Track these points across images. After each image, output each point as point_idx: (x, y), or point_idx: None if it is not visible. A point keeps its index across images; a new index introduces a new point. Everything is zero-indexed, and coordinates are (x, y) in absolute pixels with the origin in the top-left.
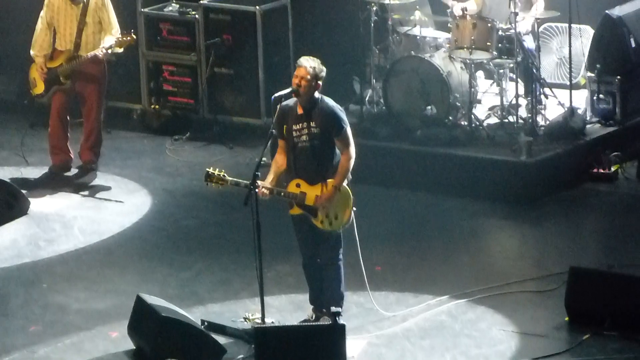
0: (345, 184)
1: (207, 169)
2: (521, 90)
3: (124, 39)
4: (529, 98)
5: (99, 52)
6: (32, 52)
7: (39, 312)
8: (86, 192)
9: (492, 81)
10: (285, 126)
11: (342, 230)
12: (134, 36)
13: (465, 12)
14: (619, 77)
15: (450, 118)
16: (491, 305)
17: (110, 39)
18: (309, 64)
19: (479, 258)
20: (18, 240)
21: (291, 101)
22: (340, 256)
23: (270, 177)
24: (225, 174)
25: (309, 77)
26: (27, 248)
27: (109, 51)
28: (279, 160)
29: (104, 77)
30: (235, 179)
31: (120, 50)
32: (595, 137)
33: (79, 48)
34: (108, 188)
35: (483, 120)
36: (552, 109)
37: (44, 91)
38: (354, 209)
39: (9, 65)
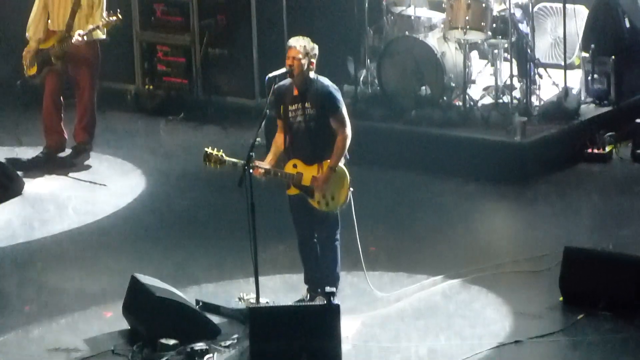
0: (342, 163)
1: (206, 149)
2: (515, 71)
3: (109, 19)
4: (523, 78)
5: (78, 37)
6: (27, 35)
7: (33, 292)
8: (74, 174)
9: (486, 61)
10: (282, 106)
11: (339, 211)
12: (120, 16)
13: None
14: (613, 57)
15: (445, 98)
16: (485, 285)
17: (96, 18)
18: (298, 43)
19: (473, 238)
20: (12, 220)
21: (287, 81)
22: (337, 236)
23: (269, 157)
24: (224, 154)
25: (300, 56)
26: (21, 229)
27: (92, 35)
28: (279, 141)
29: (96, 58)
30: (233, 159)
31: (103, 36)
32: (589, 117)
33: (71, 29)
34: (96, 170)
35: (477, 101)
36: (547, 90)
37: (37, 72)
38: (351, 189)
39: (3, 46)
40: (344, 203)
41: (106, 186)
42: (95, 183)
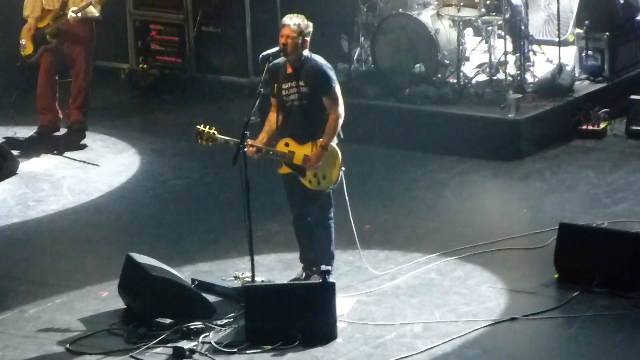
0: (334, 143)
1: (197, 126)
2: (509, 48)
3: None
4: (517, 55)
5: (72, 14)
6: (24, 14)
7: (29, 272)
8: (68, 153)
9: (480, 38)
10: (276, 85)
11: (331, 190)
12: None
13: None
14: (607, 33)
15: (439, 76)
16: (480, 262)
17: None
18: (292, 21)
19: (468, 216)
20: (7, 200)
21: (281, 60)
22: (331, 215)
23: (262, 135)
24: (216, 132)
25: (294, 34)
26: (16, 208)
27: (87, 13)
28: (272, 119)
29: (91, 37)
30: (225, 137)
31: (97, 14)
32: (583, 93)
33: (66, 7)
34: (91, 149)
35: (471, 78)
36: (541, 66)
37: (33, 52)
38: (343, 168)
39: None
40: (335, 182)
41: (99, 166)
42: (87, 163)
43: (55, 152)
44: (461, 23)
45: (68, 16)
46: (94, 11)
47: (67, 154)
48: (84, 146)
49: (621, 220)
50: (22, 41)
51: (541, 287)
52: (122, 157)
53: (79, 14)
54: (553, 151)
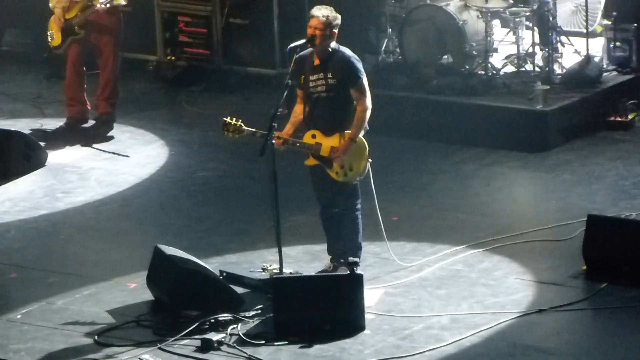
0: (362, 134)
1: (224, 119)
2: (537, 39)
3: None
4: (545, 46)
5: (101, 4)
6: (50, 5)
7: (57, 263)
8: (96, 145)
9: (508, 30)
10: (302, 76)
11: (358, 181)
12: None
13: None
14: (635, 24)
15: (467, 67)
16: (508, 254)
17: None
18: (321, 12)
19: (495, 207)
20: (35, 192)
21: (308, 51)
22: (358, 206)
23: (288, 127)
24: (242, 124)
25: (322, 26)
26: (44, 200)
27: (114, 2)
28: (298, 111)
29: (119, 28)
30: (251, 129)
31: (124, 3)
32: (611, 85)
33: None
34: (119, 140)
35: (499, 69)
36: (569, 57)
37: (61, 43)
38: (370, 160)
39: (25, 18)
40: (362, 174)
41: (129, 157)
42: (118, 154)
43: (88, 144)
44: (489, 14)
45: (96, 7)
46: (121, 1)
47: (97, 145)
48: (112, 138)
49: None
50: (50, 32)
51: (569, 278)
52: (150, 149)
53: (107, 5)
54: (581, 142)
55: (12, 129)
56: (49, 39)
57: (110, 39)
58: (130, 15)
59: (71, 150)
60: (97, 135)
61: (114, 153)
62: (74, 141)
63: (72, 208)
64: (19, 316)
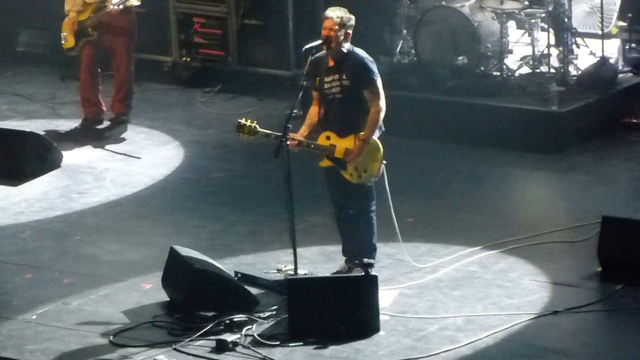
0: (376, 136)
1: (239, 120)
2: (552, 40)
3: None
4: (560, 48)
5: (114, 5)
6: (65, 9)
7: (72, 264)
8: (111, 146)
9: (523, 31)
10: (317, 78)
11: (372, 183)
12: None
13: None
14: None
15: (482, 68)
16: (523, 255)
17: None
18: (335, 14)
19: (510, 208)
20: (50, 192)
21: (323, 53)
22: (373, 208)
23: (303, 128)
24: (257, 125)
25: (336, 27)
26: (59, 200)
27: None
28: (313, 112)
29: (133, 28)
30: (266, 130)
31: (137, 3)
32: (626, 86)
33: None
34: (133, 141)
35: (514, 71)
36: (584, 59)
37: (74, 45)
38: (384, 162)
39: (40, 18)
40: (376, 175)
41: (140, 158)
42: (129, 155)
43: (103, 145)
44: (504, 15)
45: (110, 8)
46: (134, 1)
47: (112, 146)
48: (127, 139)
49: None
50: (64, 34)
51: (584, 280)
52: (164, 150)
53: (120, 5)
54: (596, 144)
55: (27, 130)
56: (62, 40)
57: (123, 40)
58: (145, 16)
59: (86, 151)
60: (112, 136)
61: (125, 154)
62: (88, 142)
63: (87, 209)
64: (34, 317)
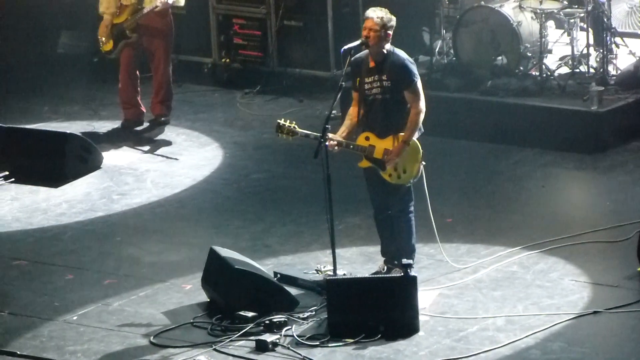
0: (416, 137)
1: (278, 120)
2: (592, 40)
3: None
4: (599, 48)
5: (159, 3)
6: (99, 11)
7: (113, 265)
8: (151, 147)
9: (562, 31)
10: (358, 79)
11: (411, 183)
12: None
13: None
14: None
15: (521, 68)
16: (563, 255)
17: None
18: (376, 14)
19: (550, 208)
20: (92, 194)
21: (363, 53)
22: (411, 208)
23: (342, 129)
24: (296, 126)
25: (377, 27)
26: (100, 202)
27: (170, 2)
28: (352, 113)
29: (170, 30)
30: (305, 131)
31: (182, 4)
32: None
33: (143, 1)
34: (173, 142)
35: (554, 70)
36: (623, 59)
37: (113, 47)
38: (423, 163)
39: (80, 20)
40: (415, 176)
41: (178, 160)
42: (168, 157)
43: (143, 146)
44: (543, 15)
45: (147, 9)
46: (181, 1)
47: (152, 147)
48: (166, 140)
49: None
50: (102, 38)
51: (624, 280)
52: (205, 151)
53: (159, 6)
54: (636, 143)
55: (68, 132)
56: (100, 44)
57: (161, 41)
58: (185, 18)
59: (127, 152)
60: (152, 137)
61: (163, 156)
62: (129, 143)
63: (128, 210)
64: (75, 317)
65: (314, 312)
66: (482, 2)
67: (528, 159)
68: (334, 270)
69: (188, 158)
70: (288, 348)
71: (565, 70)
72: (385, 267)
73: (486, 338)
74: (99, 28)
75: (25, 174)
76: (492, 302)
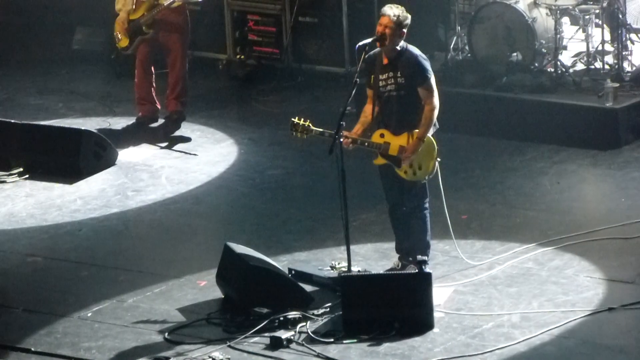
0: (431, 133)
1: (292, 119)
2: (607, 37)
3: None
4: (615, 44)
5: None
6: (116, 8)
7: (127, 261)
8: (166, 143)
9: (577, 27)
10: (372, 76)
11: (426, 180)
12: None
13: None
14: None
15: (536, 64)
16: (578, 252)
17: None
18: (392, 12)
19: (566, 205)
20: (107, 190)
21: (377, 50)
22: (426, 205)
23: (357, 126)
24: (310, 124)
25: (392, 25)
26: (115, 198)
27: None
28: (367, 110)
29: (186, 26)
30: (320, 129)
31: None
32: None
33: None
34: (188, 139)
35: (569, 67)
36: (639, 55)
37: (129, 44)
38: (438, 159)
39: (95, 17)
40: (431, 173)
41: (197, 155)
42: (186, 153)
43: (158, 142)
44: (558, 11)
45: (163, 5)
46: None
47: (167, 144)
48: (182, 136)
49: None
50: (117, 34)
51: (639, 276)
52: (220, 147)
53: (175, 2)
54: None
55: (83, 128)
56: (116, 40)
57: (178, 37)
58: (200, 14)
59: (142, 149)
60: (167, 133)
61: (182, 152)
62: (144, 140)
63: (143, 206)
64: (90, 314)
65: (328, 309)
66: None
67: (543, 156)
68: (349, 266)
69: (203, 154)
70: (302, 344)
71: (580, 66)
72: (400, 264)
73: (501, 335)
74: (114, 24)
75: (40, 171)
76: (507, 299)
